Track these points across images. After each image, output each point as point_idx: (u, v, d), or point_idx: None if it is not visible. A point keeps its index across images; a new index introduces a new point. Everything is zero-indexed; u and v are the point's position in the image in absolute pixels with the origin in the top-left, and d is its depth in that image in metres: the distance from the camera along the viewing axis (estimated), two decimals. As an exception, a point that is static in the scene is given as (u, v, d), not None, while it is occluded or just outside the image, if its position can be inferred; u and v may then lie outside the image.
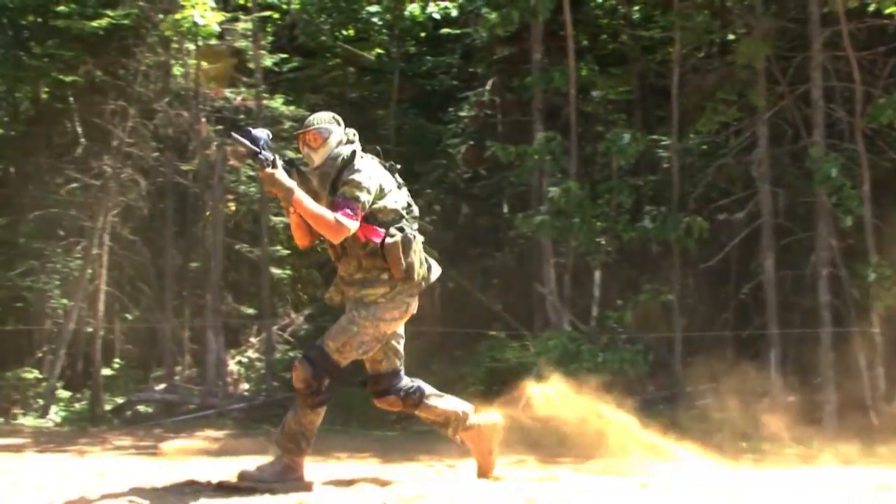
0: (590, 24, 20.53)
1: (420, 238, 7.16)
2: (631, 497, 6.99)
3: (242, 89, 19.59)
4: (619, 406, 11.97)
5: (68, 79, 19.92)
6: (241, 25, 19.30)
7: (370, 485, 7.19)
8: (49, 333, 20.49)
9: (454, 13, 21.16)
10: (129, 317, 21.54)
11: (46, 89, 21.73)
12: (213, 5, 18.27)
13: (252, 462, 7.42)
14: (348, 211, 6.71)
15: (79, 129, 20.95)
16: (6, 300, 19.96)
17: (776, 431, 14.19)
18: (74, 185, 20.05)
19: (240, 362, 20.39)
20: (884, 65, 16.94)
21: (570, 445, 11.30)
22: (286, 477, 6.97)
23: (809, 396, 16.37)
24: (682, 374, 17.05)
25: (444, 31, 21.80)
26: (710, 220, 17.49)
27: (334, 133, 7.04)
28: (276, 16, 20.99)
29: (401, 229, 6.96)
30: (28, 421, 18.53)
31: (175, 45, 19.14)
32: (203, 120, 19.15)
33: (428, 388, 7.32)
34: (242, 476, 6.95)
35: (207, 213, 19.85)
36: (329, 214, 6.72)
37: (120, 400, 19.62)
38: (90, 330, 19.94)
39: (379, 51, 21.65)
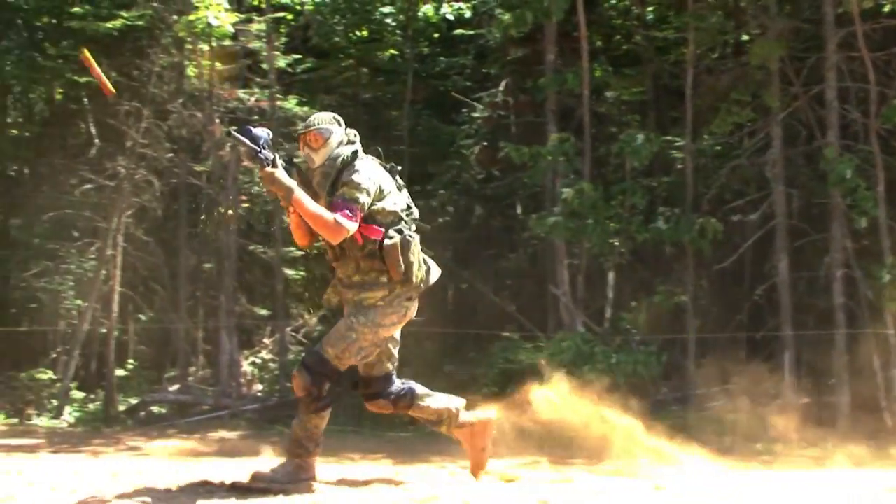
0: (603, 24, 20.50)
1: (417, 239, 7.08)
2: (644, 499, 6.98)
3: (256, 90, 19.60)
4: (627, 408, 11.98)
5: (83, 80, 19.94)
6: (254, 26, 19.30)
7: (383, 486, 7.19)
8: (63, 334, 20.53)
9: (468, 14, 21.17)
10: (143, 317, 21.59)
11: (61, 90, 21.80)
12: (227, 6, 18.29)
13: (266, 463, 7.42)
14: (347, 212, 6.69)
15: (93, 130, 21.02)
16: (21, 301, 20.01)
17: (788, 433, 14.16)
18: (89, 185, 20.08)
19: (253, 363, 20.40)
20: (899, 65, 16.92)
21: (583, 447, 11.27)
22: (299, 478, 6.97)
23: (823, 398, 16.33)
24: (695, 375, 17.02)
25: (458, 32, 21.79)
26: (723, 221, 17.46)
27: (335, 133, 7.02)
28: (290, 17, 21.00)
29: (399, 231, 6.93)
30: (42, 421, 18.56)
31: (189, 47, 19.14)
32: (217, 121, 19.16)
33: (419, 389, 7.30)
34: (255, 477, 6.96)
35: (215, 213, 19.90)
36: (328, 215, 6.70)
37: (134, 401, 19.64)
38: (104, 331, 19.97)
39: (392, 52, 21.66)
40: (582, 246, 17.95)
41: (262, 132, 6.81)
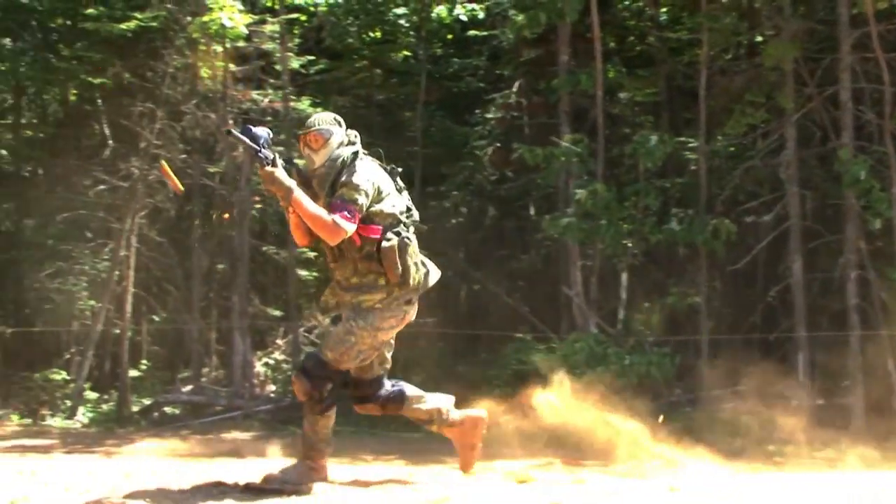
0: (617, 25, 20.48)
1: (415, 242, 7.04)
2: (659, 500, 6.97)
3: (269, 91, 19.63)
4: (637, 410, 11.95)
5: (96, 81, 20.01)
6: (268, 28, 19.33)
7: (396, 486, 7.19)
8: (77, 335, 20.57)
9: (481, 15, 21.18)
10: (157, 318, 21.62)
11: (75, 91, 21.85)
12: (241, 8, 18.32)
13: (278, 464, 7.43)
14: (346, 213, 6.66)
15: (107, 131, 21.06)
16: (35, 301, 20.05)
17: (801, 435, 14.12)
18: (102, 186, 20.12)
19: (266, 364, 20.42)
20: (913, 67, 16.87)
21: (595, 448, 11.25)
22: (311, 478, 6.98)
23: (837, 400, 16.30)
24: (708, 377, 16.98)
25: (471, 33, 21.80)
26: (737, 222, 17.44)
27: (336, 134, 6.99)
28: (304, 18, 21.04)
29: (397, 233, 6.90)
30: (56, 422, 18.61)
31: (203, 48, 19.17)
32: (230, 122, 19.18)
33: (409, 391, 7.28)
34: (268, 478, 6.96)
35: (226, 215, 19.93)
36: (326, 216, 6.67)
37: (147, 401, 19.67)
38: (118, 331, 20.01)
39: (406, 53, 21.67)
40: (595, 247, 17.94)
41: (263, 131, 6.79)
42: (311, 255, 20.11)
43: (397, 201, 7.02)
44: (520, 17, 17.99)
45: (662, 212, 17.93)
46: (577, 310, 18.05)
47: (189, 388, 19.71)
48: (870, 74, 16.88)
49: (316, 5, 20.90)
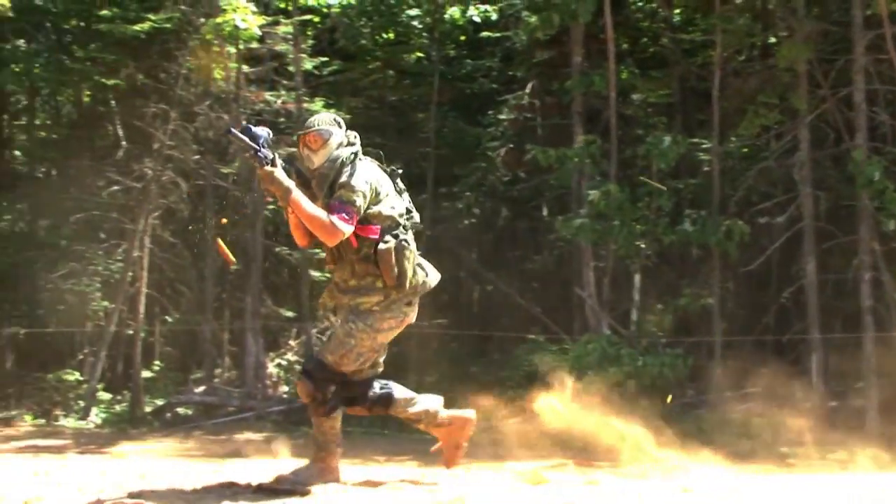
0: (630, 27, 20.47)
1: (414, 245, 6.99)
2: (671, 501, 6.96)
3: (283, 92, 19.64)
4: (647, 412, 11.94)
5: (110, 82, 20.05)
6: (281, 29, 19.35)
7: (409, 487, 7.18)
8: (90, 335, 20.62)
9: (494, 17, 21.18)
10: (170, 319, 21.65)
11: (88, 93, 21.91)
12: (254, 9, 18.33)
13: (291, 465, 7.43)
14: (344, 215, 6.63)
15: (120, 132, 21.10)
16: (48, 302, 20.09)
17: (814, 436, 14.10)
18: (116, 187, 20.15)
19: (279, 365, 20.44)
20: (927, 68, 16.82)
21: (606, 450, 11.25)
22: (323, 479, 6.98)
23: (850, 401, 16.26)
24: (721, 378, 16.96)
25: (484, 34, 21.82)
26: (750, 223, 17.41)
27: (335, 135, 6.96)
28: (317, 19, 21.05)
29: (396, 236, 6.88)
30: (69, 422, 18.65)
31: (216, 49, 19.19)
32: (244, 121, 19.19)
33: (398, 393, 7.23)
34: (280, 479, 6.96)
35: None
36: (325, 217, 6.66)
37: (160, 402, 19.70)
38: (131, 332, 20.05)
39: (419, 54, 21.68)
40: (608, 248, 17.94)
41: (263, 131, 6.78)
42: (324, 255, 20.12)
43: (396, 203, 6.98)
44: (533, 19, 17.99)
45: (675, 213, 17.91)
46: (589, 311, 18.04)
47: (202, 388, 19.73)
48: (884, 76, 16.85)
49: (329, 7, 20.92)
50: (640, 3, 20.77)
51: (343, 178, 6.76)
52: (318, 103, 19.45)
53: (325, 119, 7.02)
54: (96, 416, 19.08)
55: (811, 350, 16.75)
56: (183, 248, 21.03)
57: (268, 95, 19.51)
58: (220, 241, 7.09)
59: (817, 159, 17.59)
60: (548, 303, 21.01)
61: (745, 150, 18.76)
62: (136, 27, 18.84)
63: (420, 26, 21.49)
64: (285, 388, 19.90)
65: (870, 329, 16.33)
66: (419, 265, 7.02)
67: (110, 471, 8.47)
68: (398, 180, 7.14)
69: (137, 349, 19.73)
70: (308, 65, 20.01)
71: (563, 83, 19.04)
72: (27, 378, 19.81)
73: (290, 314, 20.98)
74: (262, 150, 6.69)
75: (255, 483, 7.06)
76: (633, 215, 17.30)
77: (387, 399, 7.18)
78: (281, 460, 10.03)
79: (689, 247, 18.48)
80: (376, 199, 6.82)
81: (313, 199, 6.79)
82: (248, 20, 18.09)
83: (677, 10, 20.42)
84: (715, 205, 17.56)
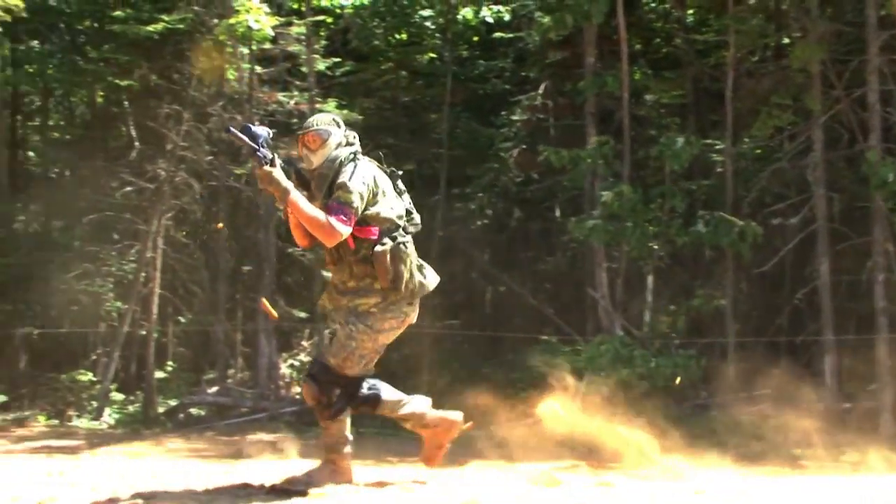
0: (643, 27, 20.45)
1: (412, 248, 6.95)
2: (684, 503, 6.95)
3: (296, 93, 19.65)
4: (659, 414, 11.92)
5: (124, 83, 20.09)
6: (294, 30, 19.37)
7: (422, 488, 7.19)
8: (103, 336, 20.66)
9: (507, 17, 21.17)
10: (183, 319, 21.68)
11: (102, 93, 21.97)
12: (267, 10, 18.35)
13: (304, 465, 7.44)
14: (342, 216, 6.60)
15: (133, 133, 21.14)
16: (62, 303, 20.12)
17: (828, 438, 14.07)
18: (129, 188, 20.18)
19: (292, 366, 20.46)
20: (941, 68, 16.77)
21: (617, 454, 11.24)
22: (336, 480, 6.98)
23: (864, 403, 16.21)
24: (734, 380, 16.92)
25: (497, 35, 21.82)
26: (764, 224, 17.37)
27: (334, 135, 6.94)
28: (330, 20, 21.06)
29: (394, 238, 6.84)
30: (82, 423, 18.68)
31: (229, 50, 19.22)
32: (257, 122, 19.20)
33: (386, 394, 7.19)
34: (293, 480, 6.97)
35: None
36: (323, 217, 6.63)
37: (173, 402, 19.74)
38: (144, 332, 20.08)
39: (432, 55, 21.68)
40: (621, 249, 17.93)
41: (263, 130, 6.77)
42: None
43: (396, 204, 6.94)
44: (546, 20, 17.97)
45: (689, 214, 17.89)
46: (602, 312, 18.03)
47: (215, 389, 19.76)
48: (898, 76, 16.81)
49: (342, 7, 20.92)
50: (653, 4, 20.75)
51: (340, 179, 6.73)
52: (330, 104, 19.46)
53: (324, 119, 7.01)
54: (109, 416, 19.11)
55: (824, 352, 16.71)
56: (196, 248, 21.05)
57: (281, 96, 19.52)
58: (264, 300, 7.08)
59: (831, 160, 17.55)
60: (560, 304, 21.00)
61: (759, 151, 18.73)
62: (150, 28, 18.86)
63: (433, 27, 21.50)
64: (298, 389, 19.88)
65: (883, 331, 16.28)
66: (419, 267, 6.99)
67: (124, 471, 8.49)
68: (398, 181, 7.10)
69: (150, 350, 19.76)
70: (321, 65, 20.02)
71: (576, 84, 19.02)
72: (41, 378, 19.85)
73: (302, 315, 20.98)
74: (262, 149, 6.68)
75: (267, 484, 7.07)
76: (645, 216, 17.28)
77: (374, 399, 7.15)
78: (289, 461, 10.05)
79: (702, 248, 18.45)
80: (374, 199, 6.79)
81: (312, 199, 6.78)
82: (262, 21, 18.09)
83: (690, 11, 20.39)
84: (728, 206, 17.53)
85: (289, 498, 6.77)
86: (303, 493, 6.80)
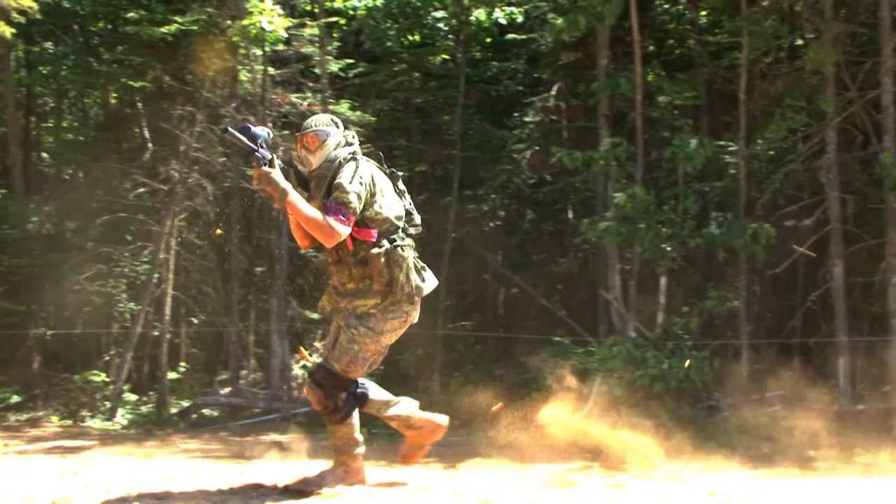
0: (656, 29, 20.42)
1: (409, 251, 6.93)
2: (698, 504, 6.95)
3: (309, 94, 19.66)
4: (665, 417, 11.87)
5: (137, 84, 20.13)
6: (307, 31, 19.37)
7: (435, 488, 7.19)
8: (116, 337, 20.71)
9: (520, 19, 21.16)
10: (195, 320, 21.71)
11: (115, 95, 22.02)
12: (281, 11, 18.36)
13: (317, 466, 7.45)
14: (341, 216, 6.62)
15: (147, 135, 21.17)
16: (75, 304, 20.16)
17: (841, 440, 14.04)
18: (142, 189, 20.22)
19: (304, 367, 20.47)
20: (956, 69, 16.71)
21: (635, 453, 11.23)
22: (348, 481, 6.99)
23: (878, 405, 16.17)
24: (747, 381, 16.90)
25: (510, 36, 21.82)
26: (777, 226, 17.33)
27: (332, 136, 6.94)
28: (343, 21, 21.07)
29: (392, 241, 6.84)
30: (95, 423, 18.71)
31: (242, 51, 19.24)
32: (269, 125, 19.23)
33: (373, 394, 7.18)
34: (306, 481, 6.97)
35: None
36: (321, 218, 6.63)
37: (186, 403, 19.77)
38: (157, 333, 20.12)
39: (444, 56, 21.67)
40: (634, 251, 17.91)
41: (262, 131, 6.78)
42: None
43: (395, 205, 6.94)
44: (559, 21, 17.94)
45: (702, 215, 17.86)
46: (615, 313, 18.01)
47: (227, 390, 19.79)
48: (912, 78, 16.75)
49: (355, 9, 20.93)
50: (666, 6, 20.71)
51: (338, 179, 6.73)
52: (343, 105, 19.47)
53: (323, 120, 7.02)
54: (122, 417, 19.14)
55: (838, 353, 16.66)
56: (209, 249, 21.08)
57: (294, 97, 19.52)
58: (303, 349, 7.08)
59: (844, 162, 17.50)
60: (573, 305, 21.00)
61: (772, 152, 18.68)
62: (163, 29, 18.88)
63: (446, 28, 21.49)
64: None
65: (897, 332, 16.25)
66: (418, 269, 6.96)
67: (137, 472, 8.50)
68: (399, 182, 7.10)
69: (163, 350, 19.81)
70: (334, 67, 20.03)
71: (589, 85, 19.00)
72: (54, 379, 19.90)
73: (315, 316, 20.99)
74: (260, 150, 6.69)
75: (280, 485, 7.08)
76: (658, 218, 17.25)
77: (362, 398, 7.16)
78: (302, 462, 10.06)
79: (715, 249, 18.43)
80: (373, 199, 6.79)
81: (311, 199, 6.77)
82: (275, 22, 18.10)
83: (704, 13, 20.36)
84: (741, 207, 17.51)
85: (301, 498, 6.78)
86: (316, 494, 6.81)
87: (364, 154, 7.08)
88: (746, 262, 17.52)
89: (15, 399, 19.62)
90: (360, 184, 6.73)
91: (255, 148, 6.68)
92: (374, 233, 6.78)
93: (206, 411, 19.33)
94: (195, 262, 20.71)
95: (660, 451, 10.71)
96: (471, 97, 21.72)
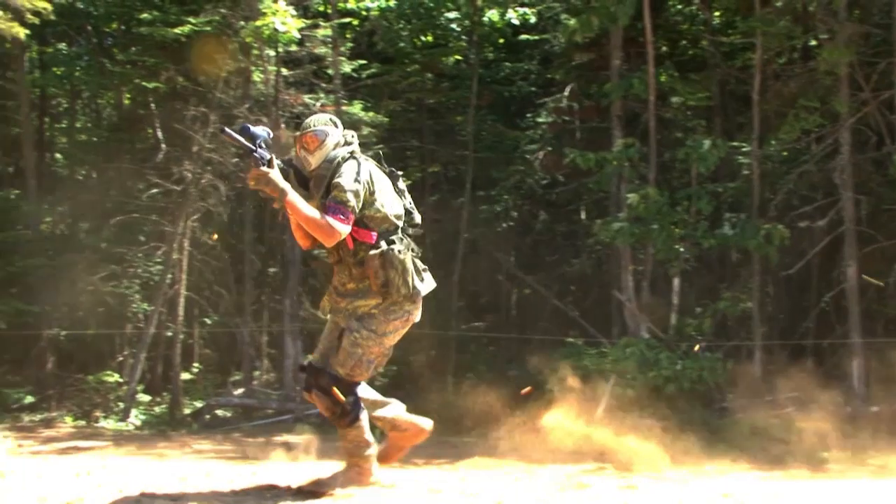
0: (670, 29, 20.40)
1: (408, 252, 6.88)
2: (711, 506, 6.94)
3: (322, 95, 19.67)
4: (678, 419, 11.84)
5: (150, 85, 20.16)
6: (320, 32, 19.38)
7: (448, 489, 7.19)
8: (130, 337, 20.73)
9: (533, 19, 21.15)
10: (209, 321, 21.73)
11: (129, 95, 22.05)
12: (294, 12, 18.37)
13: (330, 468, 7.45)
14: (340, 215, 6.59)
15: (160, 135, 21.19)
16: (88, 304, 20.19)
17: (855, 442, 14.02)
18: (155, 190, 20.24)
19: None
20: (970, 70, 16.67)
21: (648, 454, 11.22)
22: (361, 482, 6.99)
23: (892, 406, 16.13)
24: (760, 382, 16.87)
25: (523, 37, 21.81)
26: (790, 227, 17.29)
27: (331, 135, 6.91)
28: (356, 22, 21.06)
29: (390, 242, 6.81)
30: (109, 424, 18.74)
31: (255, 52, 19.26)
32: (283, 126, 19.23)
33: (362, 392, 7.18)
34: (319, 482, 6.97)
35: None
36: (321, 218, 6.60)
37: (199, 404, 19.78)
38: (170, 334, 20.14)
39: (457, 57, 21.67)
40: (647, 251, 17.89)
41: (262, 131, 6.76)
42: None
43: (394, 204, 6.92)
44: (572, 22, 17.93)
45: (715, 216, 17.84)
46: (628, 314, 17.99)
47: (240, 391, 19.81)
48: (926, 78, 16.72)
49: (368, 10, 20.93)
50: (679, 6, 20.69)
51: (336, 179, 6.71)
52: (356, 106, 19.48)
53: (321, 119, 6.99)
54: (136, 417, 19.16)
55: (851, 355, 16.63)
56: (222, 250, 21.09)
57: (307, 98, 19.52)
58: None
59: (858, 163, 17.46)
60: (586, 306, 20.99)
61: (786, 153, 18.64)
62: (177, 30, 18.90)
63: (458, 29, 21.49)
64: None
65: (911, 333, 16.23)
66: (418, 270, 6.93)
67: (150, 472, 8.51)
68: (399, 181, 7.08)
69: (176, 351, 19.83)
70: (347, 67, 20.03)
71: (602, 86, 18.98)
72: (68, 380, 19.93)
73: (328, 317, 20.95)
74: (259, 150, 6.67)
75: (293, 486, 7.08)
76: (672, 219, 17.24)
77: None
78: (315, 463, 10.06)
79: (729, 250, 18.41)
80: (371, 198, 6.77)
81: (310, 199, 6.76)
82: (288, 23, 18.12)
83: (717, 13, 20.33)
84: (754, 208, 17.48)
85: (314, 499, 6.78)
86: (328, 495, 6.81)
87: (371, 154, 7.08)
88: (760, 263, 17.49)
89: (29, 399, 19.65)
90: (358, 182, 6.70)
91: (253, 148, 6.67)
92: (374, 235, 6.77)
93: (219, 412, 19.35)
94: (208, 262, 20.73)
95: (666, 457, 10.71)
96: (484, 98, 21.72)
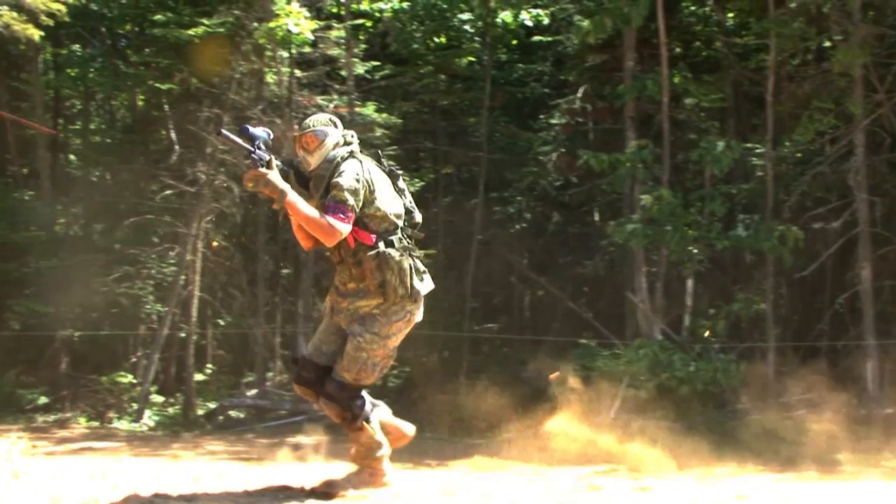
0: (683, 31, 20.36)
1: (407, 253, 6.86)
2: (725, 508, 6.93)
3: (335, 97, 19.68)
4: (690, 421, 11.80)
5: (164, 86, 20.20)
6: (334, 33, 19.39)
7: (460, 491, 7.19)
8: (143, 338, 20.75)
9: (546, 21, 21.13)
10: (222, 322, 21.75)
11: (143, 97, 22.08)
12: (307, 14, 18.39)
13: (342, 469, 7.45)
14: (340, 215, 6.58)
15: (174, 137, 21.22)
16: (102, 305, 20.23)
17: (870, 444, 13.99)
18: (169, 191, 20.27)
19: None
20: (985, 71, 16.63)
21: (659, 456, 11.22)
22: (374, 483, 6.99)
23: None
24: (774, 384, 16.84)
25: (536, 38, 21.78)
26: (805, 229, 17.26)
27: (331, 135, 6.91)
28: (369, 24, 21.08)
29: (389, 243, 6.80)
30: (123, 425, 18.77)
31: (269, 53, 19.28)
32: (295, 126, 19.25)
33: None
34: (331, 484, 6.97)
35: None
36: (321, 218, 6.60)
37: (212, 405, 19.80)
38: (183, 335, 20.16)
39: (470, 58, 21.65)
40: (660, 253, 17.86)
41: (261, 132, 6.75)
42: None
43: (394, 204, 6.91)
44: (585, 23, 17.92)
45: (729, 218, 17.81)
46: (641, 316, 17.96)
47: (254, 392, 19.82)
48: (940, 80, 16.68)
49: (381, 11, 20.94)
50: (693, 7, 20.65)
51: (335, 178, 6.71)
52: (369, 107, 19.49)
53: (321, 119, 6.99)
54: (149, 418, 19.19)
55: (866, 356, 16.59)
56: (235, 251, 21.11)
57: (320, 100, 19.53)
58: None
59: (873, 164, 17.42)
60: (599, 308, 20.97)
61: (800, 155, 18.60)
62: (190, 32, 18.93)
63: (472, 31, 21.47)
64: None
65: (926, 335, 16.19)
66: (417, 271, 6.92)
67: (164, 473, 8.53)
68: (399, 180, 7.07)
69: (190, 352, 19.85)
70: (360, 69, 20.04)
71: (616, 88, 18.97)
72: (81, 380, 19.94)
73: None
74: (258, 151, 6.67)
75: (307, 487, 7.08)
76: (685, 220, 17.21)
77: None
78: (328, 464, 10.07)
79: (743, 252, 18.38)
80: (371, 196, 6.76)
81: (310, 199, 6.75)
82: (301, 25, 18.13)
83: (731, 14, 20.29)
84: (768, 210, 17.44)
85: (327, 501, 6.79)
86: (341, 497, 6.81)
87: (370, 154, 7.08)
88: (774, 264, 17.45)
89: (43, 400, 19.69)
90: (356, 181, 6.70)
91: (251, 149, 6.66)
92: (374, 237, 6.76)
93: (232, 413, 19.37)
94: (222, 263, 20.75)
95: (672, 463, 10.70)
96: (497, 99, 21.71)
